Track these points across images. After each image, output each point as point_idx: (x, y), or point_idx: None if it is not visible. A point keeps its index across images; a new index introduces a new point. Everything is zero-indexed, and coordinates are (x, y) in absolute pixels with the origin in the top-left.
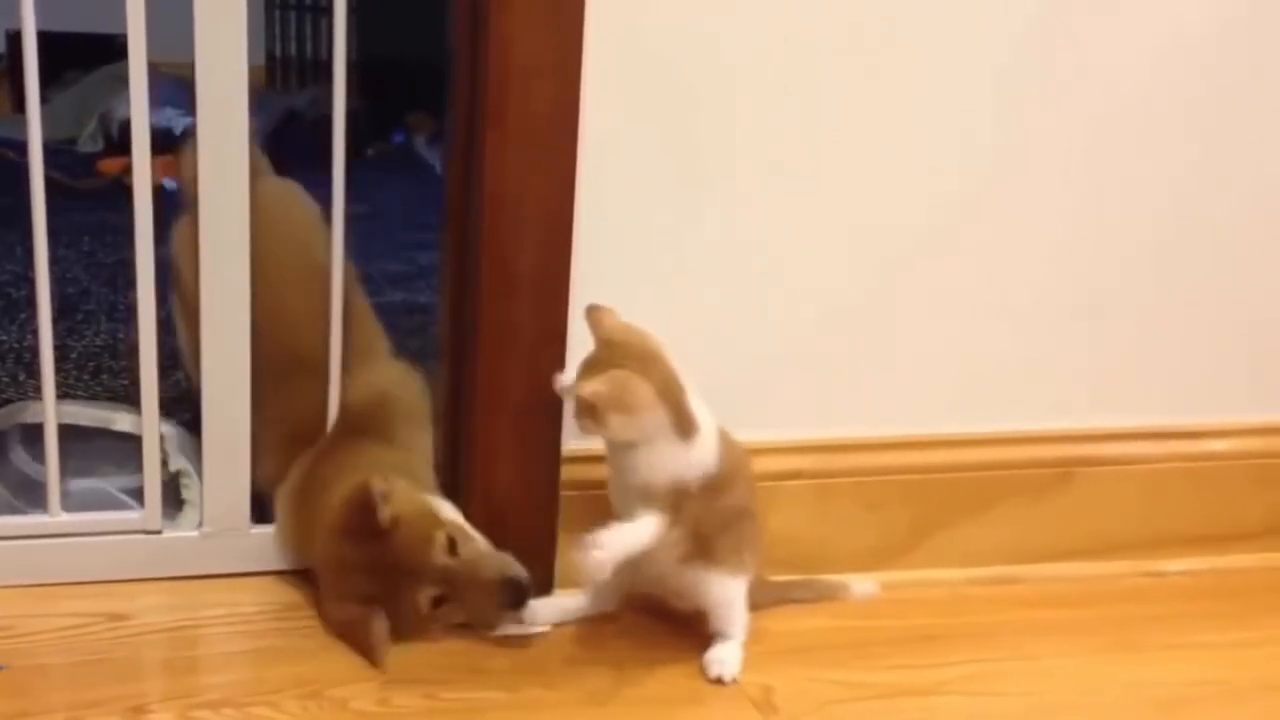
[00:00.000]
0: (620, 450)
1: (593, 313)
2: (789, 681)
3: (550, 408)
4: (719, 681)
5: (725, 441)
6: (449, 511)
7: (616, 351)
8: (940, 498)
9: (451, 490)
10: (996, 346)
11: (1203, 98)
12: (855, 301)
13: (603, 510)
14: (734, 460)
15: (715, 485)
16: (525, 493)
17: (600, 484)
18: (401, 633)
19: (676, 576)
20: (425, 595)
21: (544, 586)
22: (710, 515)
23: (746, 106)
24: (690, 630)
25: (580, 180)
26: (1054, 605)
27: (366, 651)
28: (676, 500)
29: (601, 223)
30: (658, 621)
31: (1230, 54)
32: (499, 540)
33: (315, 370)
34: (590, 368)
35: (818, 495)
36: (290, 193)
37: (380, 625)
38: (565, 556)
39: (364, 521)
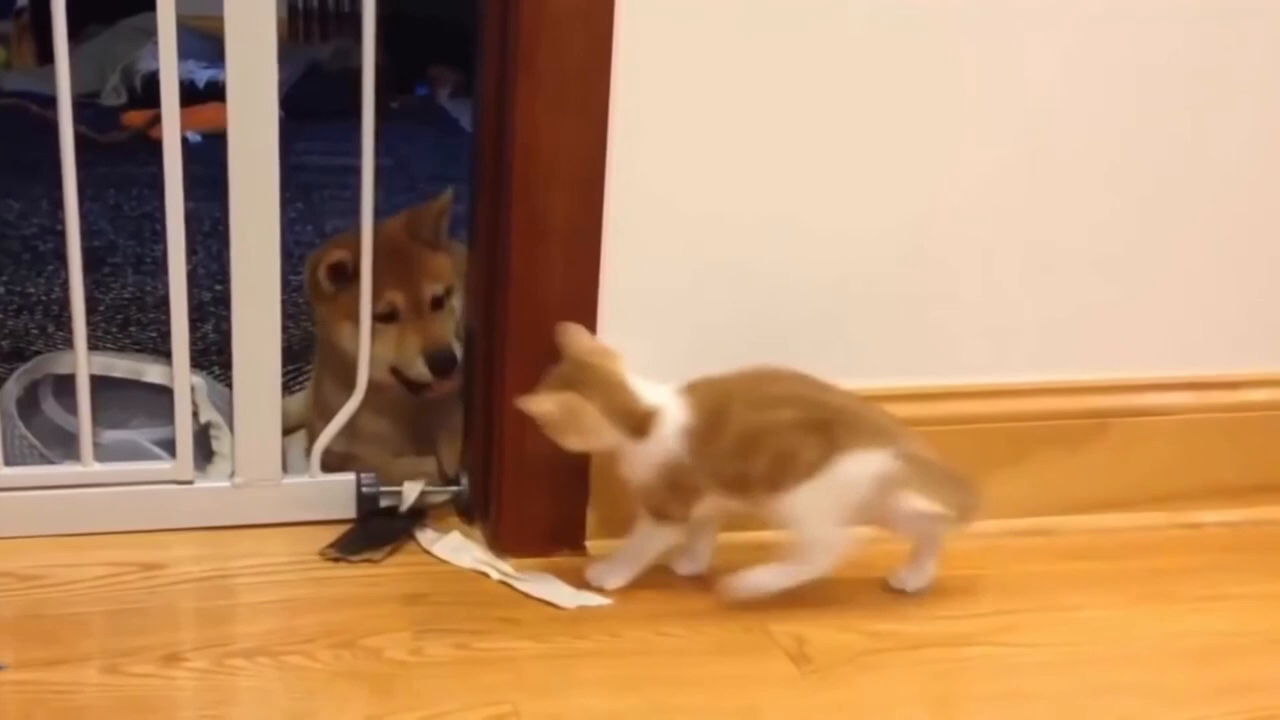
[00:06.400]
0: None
1: (565, 333)
2: (822, 632)
3: None
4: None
5: (696, 392)
6: None
7: (575, 370)
8: (973, 449)
9: (484, 443)
10: (1030, 297)
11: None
12: (886, 253)
13: None
14: (716, 399)
15: (704, 434)
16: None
17: None
18: None
19: (772, 511)
20: None
21: (577, 537)
22: (721, 458)
23: (786, 52)
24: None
25: (612, 130)
26: (1088, 557)
27: None
28: (672, 479)
29: (634, 173)
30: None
31: None
32: (532, 491)
33: None
34: (552, 383)
35: None
36: None
37: None
38: (597, 504)
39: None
